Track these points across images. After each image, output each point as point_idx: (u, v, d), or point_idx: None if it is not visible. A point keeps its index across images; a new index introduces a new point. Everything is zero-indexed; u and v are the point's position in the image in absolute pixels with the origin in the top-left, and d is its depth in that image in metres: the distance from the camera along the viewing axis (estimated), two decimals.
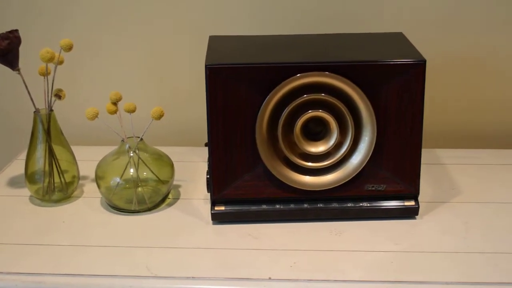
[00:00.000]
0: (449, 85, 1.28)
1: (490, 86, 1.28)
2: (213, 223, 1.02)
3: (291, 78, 0.95)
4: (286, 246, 0.96)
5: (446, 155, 1.23)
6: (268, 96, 0.96)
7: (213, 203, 1.01)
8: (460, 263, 0.91)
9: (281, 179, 0.99)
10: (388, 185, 1.01)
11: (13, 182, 1.17)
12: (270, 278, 0.88)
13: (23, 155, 1.26)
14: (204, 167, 1.20)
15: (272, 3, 1.24)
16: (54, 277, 0.89)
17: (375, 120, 0.97)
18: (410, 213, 1.02)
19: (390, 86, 0.97)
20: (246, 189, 1.00)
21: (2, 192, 1.14)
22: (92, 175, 1.16)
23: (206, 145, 1.32)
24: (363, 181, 1.00)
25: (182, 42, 1.28)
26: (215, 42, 1.07)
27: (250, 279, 0.88)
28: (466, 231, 0.99)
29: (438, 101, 1.28)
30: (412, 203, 1.02)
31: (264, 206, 1.01)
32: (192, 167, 1.21)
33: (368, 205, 1.01)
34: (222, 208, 1.01)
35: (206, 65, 0.95)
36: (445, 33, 1.24)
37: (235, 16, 1.26)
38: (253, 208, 1.01)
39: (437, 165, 1.20)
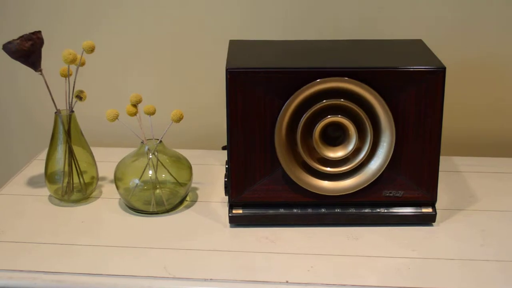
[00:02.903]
0: (467, 92, 1.28)
1: (508, 94, 1.28)
2: (231, 226, 1.03)
3: (311, 84, 0.95)
4: (303, 250, 0.96)
5: (462, 163, 1.23)
6: (288, 101, 0.96)
7: (231, 206, 1.02)
8: (477, 271, 0.91)
9: (299, 183, 1.00)
10: (406, 191, 1.01)
11: (32, 182, 1.19)
12: (287, 282, 0.88)
13: (42, 155, 1.28)
14: (221, 170, 1.21)
15: (291, 10, 1.25)
16: (73, 276, 0.90)
17: (394, 126, 0.97)
18: (427, 220, 1.02)
19: (409, 92, 0.97)
20: (264, 192, 1.01)
21: (21, 191, 1.15)
22: (111, 176, 1.17)
23: (223, 148, 1.34)
24: (381, 187, 1.01)
25: (201, 46, 1.29)
26: (235, 47, 1.08)
27: (268, 282, 0.88)
28: (483, 239, 0.99)
29: (456, 108, 1.28)
30: (429, 210, 1.02)
31: (281, 210, 1.02)
32: (210, 170, 1.22)
33: (385, 211, 1.02)
34: (240, 211, 1.02)
35: (227, 69, 0.96)
36: (463, 40, 1.24)
37: (254, 22, 1.26)
38: (271, 212, 1.02)
39: (454, 172, 1.20)
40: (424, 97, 0.97)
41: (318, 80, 0.95)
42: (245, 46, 1.08)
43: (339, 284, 0.88)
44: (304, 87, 0.96)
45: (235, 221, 1.02)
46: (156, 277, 0.90)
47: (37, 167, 1.24)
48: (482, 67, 1.26)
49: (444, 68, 0.96)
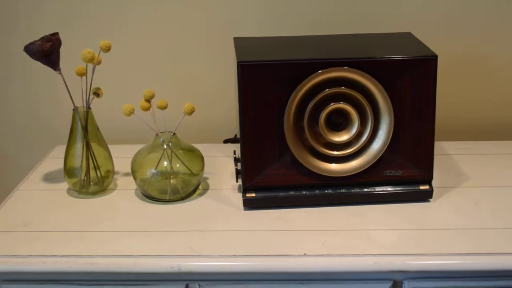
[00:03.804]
0: (451, 83, 1.38)
1: (488, 85, 1.39)
2: (244, 209, 1.10)
3: (315, 74, 1.04)
4: (314, 227, 1.04)
5: (450, 147, 1.33)
6: (294, 90, 1.04)
7: (245, 190, 1.10)
8: (474, 238, 1.00)
9: (307, 167, 1.08)
10: (405, 170, 1.10)
11: (48, 178, 1.24)
12: (305, 254, 0.96)
13: (53, 153, 1.34)
14: (226, 161, 1.29)
15: (288, 8, 1.34)
16: (106, 258, 0.97)
17: (392, 110, 1.06)
18: (425, 196, 1.11)
19: (404, 79, 1.06)
20: (275, 177, 1.09)
21: (39, 187, 1.21)
22: (124, 170, 1.24)
23: (225, 141, 1.42)
24: (382, 168, 1.09)
25: (206, 44, 1.37)
26: (241, 43, 1.16)
27: (288, 255, 0.96)
28: (477, 210, 1.08)
29: (442, 98, 1.38)
30: (426, 187, 1.11)
31: (291, 192, 1.10)
32: (215, 161, 1.29)
33: (387, 189, 1.10)
34: (253, 195, 1.09)
35: (238, 62, 1.04)
36: (448, 33, 1.34)
37: (254, 19, 1.35)
38: (281, 194, 1.09)
39: (443, 155, 1.29)
40: (418, 83, 1.06)
41: (321, 70, 1.04)
42: (250, 42, 1.16)
43: (352, 254, 0.96)
44: (310, 77, 1.04)
45: (248, 204, 1.10)
46: (185, 255, 0.97)
47: (50, 164, 1.30)
48: (463, 59, 1.36)
49: (436, 56, 1.05)
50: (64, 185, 1.20)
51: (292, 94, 1.05)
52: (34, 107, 1.44)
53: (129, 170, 1.20)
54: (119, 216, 1.10)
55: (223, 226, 1.05)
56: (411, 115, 1.07)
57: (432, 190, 1.11)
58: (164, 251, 0.98)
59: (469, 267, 0.95)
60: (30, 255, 0.98)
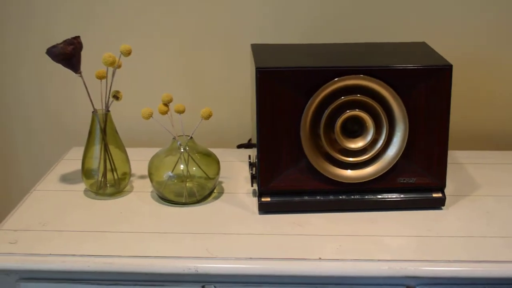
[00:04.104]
0: (462, 92, 1.40)
1: (498, 91, 1.40)
2: (259, 213, 1.12)
3: (332, 81, 1.06)
4: (328, 232, 1.06)
5: (461, 155, 1.35)
6: (312, 97, 1.06)
7: (260, 194, 1.11)
8: (486, 246, 1.01)
9: (322, 172, 1.10)
10: (418, 178, 1.11)
11: (65, 179, 1.26)
12: (320, 258, 0.98)
13: (69, 155, 1.36)
14: (240, 165, 1.31)
15: (304, 16, 1.36)
16: (124, 258, 0.99)
17: (407, 118, 1.08)
18: (437, 204, 1.13)
19: (420, 88, 1.08)
20: (290, 182, 1.10)
21: (56, 188, 1.23)
22: (140, 173, 1.26)
23: (238, 146, 1.44)
24: (396, 175, 1.11)
25: (224, 51, 1.39)
26: (258, 49, 1.17)
27: (303, 259, 0.98)
28: (489, 219, 1.09)
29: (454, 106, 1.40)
30: (439, 194, 1.12)
31: (306, 198, 1.11)
32: (229, 165, 1.31)
33: (400, 196, 1.12)
34: (268, 199, 1.11)
35: (257, 68, 1.06)
36: (458, 42, 1.36)
37: (271, 26, 1.37)
38: (296, 199, 1.11)
39: (455, 164, 1.31)
40: (433, 92, 1.08)
41: (338, 78, 1.05)
42: (267, 49, 1.18)
43: (367, 259, 0.97)
44: (326, 84, 1.06)
45: (264, 208, 1.11)
46: (201, 257, 0.98)
47: (66, 166, 1.32)
48: (479, 68, 1.38)
49: (451, 66, 1.07)
50: (81, 186, 1.22)
51: (309, 101, 1.07)
52: (51, 109, 1.46)
53: (145, 173, 1.22)
54: (136, 218, 1.12)
55: (238, 230, 1.07)
56: (425, 124, 1.09)
57: (445, 198, 1.12)
58: (180, 253, 1.00)
59: (480, 274, 0.96)
60: (49, 254, 1.00)
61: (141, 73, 1.41)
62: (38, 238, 1.05)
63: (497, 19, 1.36)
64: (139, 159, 1.26)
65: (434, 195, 1.12)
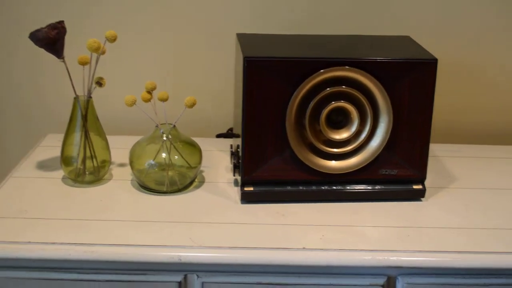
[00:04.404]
0: (446, 86, 1.41)
1: (481, 89, 1.42)
2: (242, 203, 1.12)
3: (318, 72, 1.06)
4: (311, 222, 1.06)
5: (440, 149, 1.37)
6: (298, 87, 1.06)
7: (243, 184, 1.11)
8: (465, 236, 1.03)
9: (306, 163, 1.10)
10: (400, 170, 1.13)
11: (42, 166, 1.24)
12: (304, 248, 0.98)
13: (45, 142, 1.34)
14: (220, 155, 1.30)
15: (289, 6, 1.35)
16: (106, 247, 0.97)
17: (391, 110, 1.09)
18: (417, 195, 1.14)
19: (404, 81, 1.09)
20: (274, 171, 1.10)
21: (34, 175, 1.21)
22: (120, 161, 1.24)
23: (217, 136, 1.43)
24: (378, 166, 1.12)
25: (207, 39, 1.38)
26: (245, 39, 1.17)
27: (287, 248, 0.98)
28: (467, 211, 1.11)
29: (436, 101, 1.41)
30: (419, 186, 1.14)
31: (288, 188, 1.11)
32: (209, 155, 1.30)
33: (382, 187, 1.13)
34: (251, 188, 1.11)
35: (244, 57, 1.05)
36: (444, 38, 1.37)
37: (255, 16, 1.36)
38: (279, 189, 1.11)
39: (433, 157, 1.33)
40: (417, 85, 1.09)
41: (325, 69, 1.06)
42: (253, 39, 1.18)
43: (350, 249, 0.98)
44: (313, 75, 1.06)
45: (246, 198, 1.11)
46: (184, 246, 0.98)
47: (42, 153, 1.29)
48: (459, 64, 1.40)
49: (436, 60, 1.08)
50: (59, 173, 1.20)
51: (296, 91, 1.07)
52: (17, 97, 1.43)
53: (125, 161, 1.20)
54: (116, 206, 1.10)
55: (221, 219, 1.06)
56: (408, 116, 1.10)
57: (425, 190, 1.14)
58: (163, 242, 0.99)
59: (460, 264, 0.98)
60: (29, 242, 0.98)
61: (125, 60, 1.39)
62: (18, 226, 1.02)
63: (482, 16, 1.38)
64: (120, 147, 1.24)
65: (415, 186, 1.14)
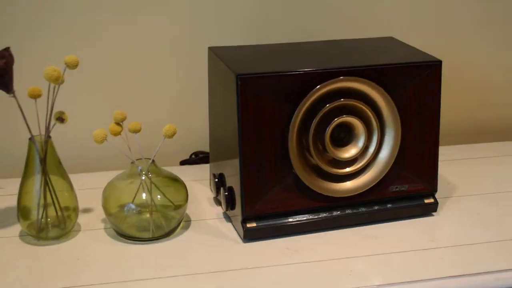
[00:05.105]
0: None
1: (469, 90, 1.36)
2: (244, 241, 0.97)
3: (322, 84, 0.93)
4: (330, 255, 0.93)
5: None
6: (300, 104, 0.93)
7: (244, 220, 0.96)
8: (497, 252, 0.94)
9: (312, 188, 0.97)
10: (410, 184, 1.02)
11: None
12: None
13: None
14: (194, 186, 1.14)
15: (260, 14, 1.22)
16: None
17: (399, 120, 0.98)
18: (429, 210, 1.04)
19: (409, 86, 0.98)
20: (277, 202, 0.97)
21: None
22: (88, 205, 1.05)
23: (181, 163, 1.26)
24: (388, 183, 1.01)
25: (176, 56, 1.21)
26: (220, 53, 1.02)
27: None
28: (481, 221, 1.03)
29: None
30: (431, 200, 1.04)
31: (295, 218, 0.98)
32: None
33: (393, 206, 1.02)
34: (254, 224, 0.96)
35: (237, 75, 0.90)
36: (428, 39, 1.29)
37: (223, 28, 1.21)
38: (285, 221, 0.97)
39: None
40: (423, 90, 0.99)
41: (330, 80, 0.93)
42: (230, 52, 1.03)
43: (391, 283, 0.86)
44: (316, 88, 0.93)
45: (250, 236, 0.96)
46: None
47: None
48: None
49: (441, 62, 0.99)
50: (15, 229, 1.00)
51: (298, 108, 0.93)
52: None
53: (93, 205, 1.02)
54: (96, 265, 0.91)
55: (228, 265, 0.90)
56: (415, 124, 1.00)
57: (437, 203, 1.04)
58: None
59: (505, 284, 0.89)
60: None
61: (85, 88, 1.19)
62: None
63: (463, 13, 1.31)
64: (86, 188, 1.06)
65: (426, 201, 1.04)
